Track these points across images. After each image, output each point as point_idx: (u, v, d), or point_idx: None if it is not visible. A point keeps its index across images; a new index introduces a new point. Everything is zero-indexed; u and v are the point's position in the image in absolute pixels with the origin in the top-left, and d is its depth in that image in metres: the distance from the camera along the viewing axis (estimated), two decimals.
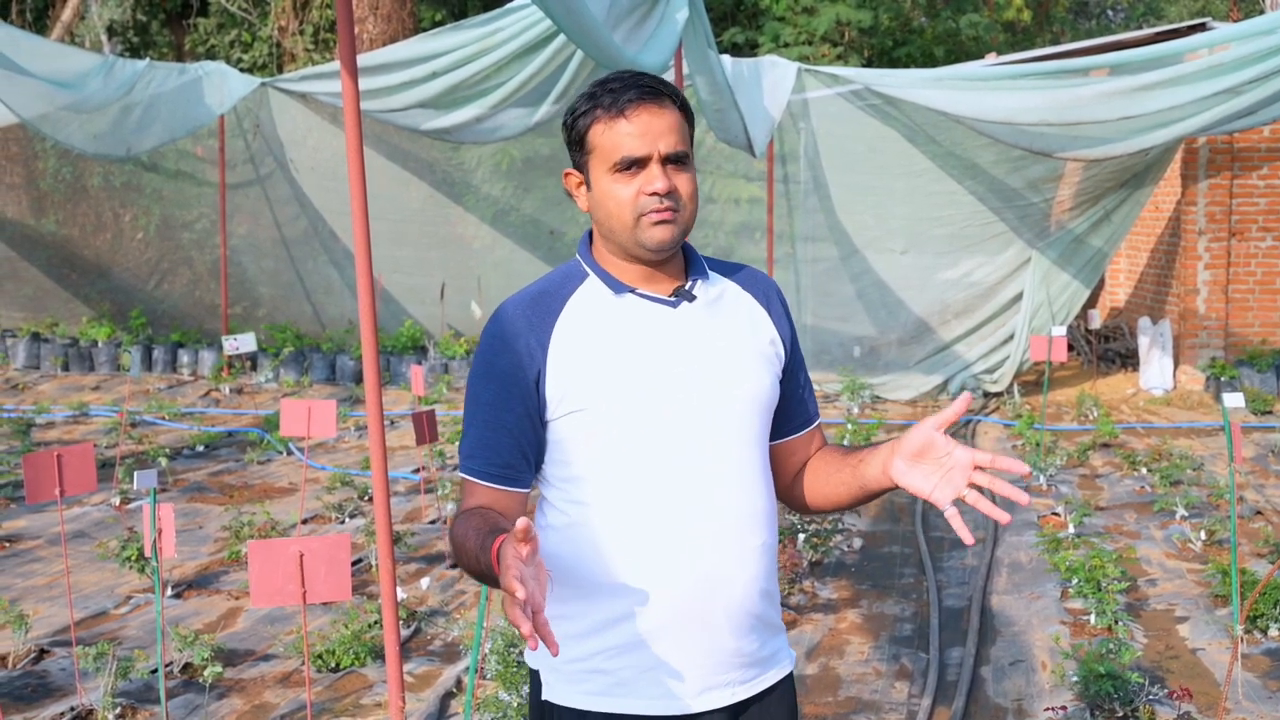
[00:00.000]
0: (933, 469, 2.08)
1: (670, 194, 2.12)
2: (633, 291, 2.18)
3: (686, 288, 2.20)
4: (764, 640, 2.23)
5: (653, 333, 2.16)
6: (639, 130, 2.11)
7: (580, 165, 2.19)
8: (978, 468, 2.04)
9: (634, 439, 2.12)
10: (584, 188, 2.20)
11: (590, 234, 2.25)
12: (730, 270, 2.31)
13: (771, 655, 2.26)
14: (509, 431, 2.15)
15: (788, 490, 2.36)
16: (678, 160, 2.14)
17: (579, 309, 2.17)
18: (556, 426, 2.15)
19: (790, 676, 2.31)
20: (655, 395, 2.12)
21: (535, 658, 2.24)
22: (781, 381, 2.28)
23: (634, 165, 2.12)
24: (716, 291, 2.24)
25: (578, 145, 2.18)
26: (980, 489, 2.04)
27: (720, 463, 2.15)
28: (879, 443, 2.23)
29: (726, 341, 2.20)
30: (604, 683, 2.16)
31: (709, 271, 2.25)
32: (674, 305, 2.18)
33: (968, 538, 2.02)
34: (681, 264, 2.23)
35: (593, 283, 2.20)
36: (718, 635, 2.15)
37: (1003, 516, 2.03)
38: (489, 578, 1.97)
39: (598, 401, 2.12)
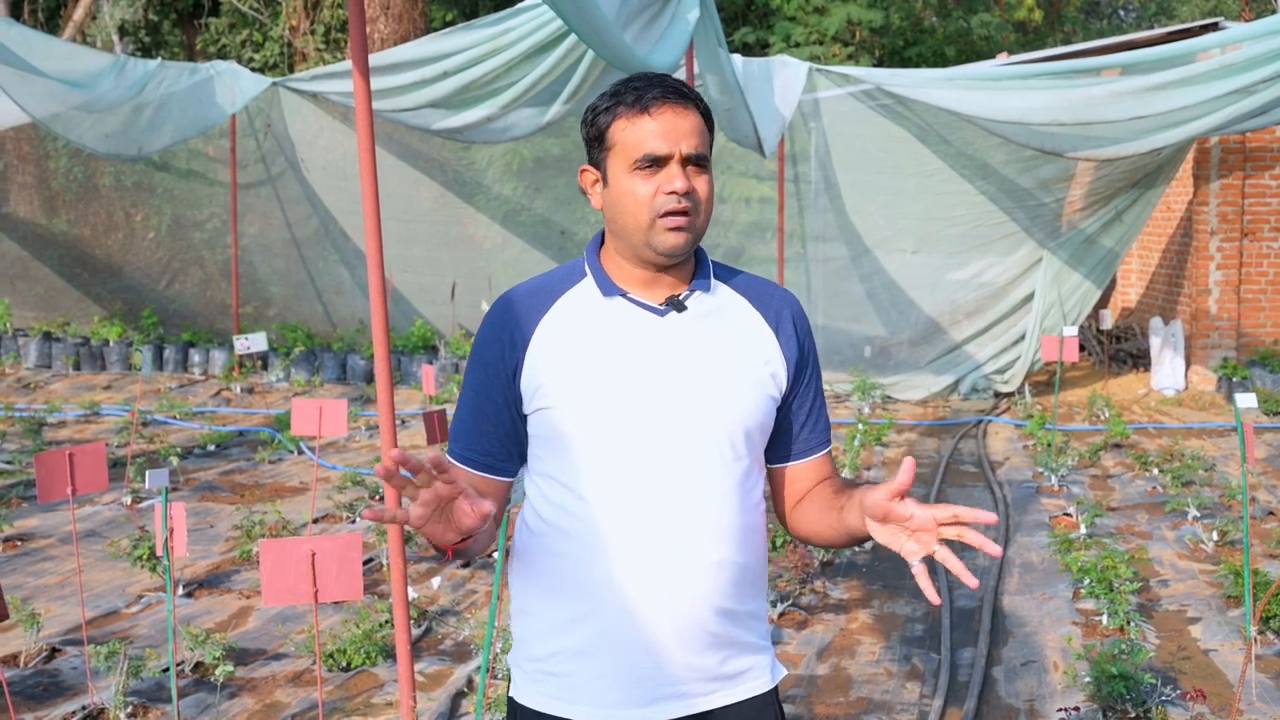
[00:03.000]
0: (899, 530, 1.95)
1: (689, 195, 2.06)
2: (623, 295, 2.13)
3: (680, 297, 2.13)
4: (727, 658, 2.14)
5: (632, 340, 2.11)
6: (663, 129, 2.06)
7: (597, 162, 2.14)
8: (942, 524, 1.90)
9: (594, 443, 2.08)
10: (599, 185, 2.14)
11: (603, 234, 2.20)
12: (744, 284, 2.22)
13: (741, 673, 2.17)
14: (489, 419, 2.15)
15: (787, 518, 2.28)
16: (698, 162, 2.09)
17: (567, 307, 2.14)
18: (530, 421, 2.15)
19: (771, 694, 2.21)
20: (620, 401, 2.07)
21: (510, 654, 2.26)
22: (782, 406, 2.20)
23: (655, 163, 2.07)
24: (715, 304, 2.16)
25: (597, 141, 2.12)
26: (951, 542, 1.91)
27: (682, 477, 2.08)
28: (866, 483, 2.14)
29: (711, 357, 2.12)
30: (558, 685, 2.14)
31: (713, 282, 2.18)
32: (661, 314, 2.12)
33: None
34: (689, 270, 2.17)
35: (587, 283, 2.16)
36: (666, 649, 2.09)
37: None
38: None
39: (563, 401, 2.09)
